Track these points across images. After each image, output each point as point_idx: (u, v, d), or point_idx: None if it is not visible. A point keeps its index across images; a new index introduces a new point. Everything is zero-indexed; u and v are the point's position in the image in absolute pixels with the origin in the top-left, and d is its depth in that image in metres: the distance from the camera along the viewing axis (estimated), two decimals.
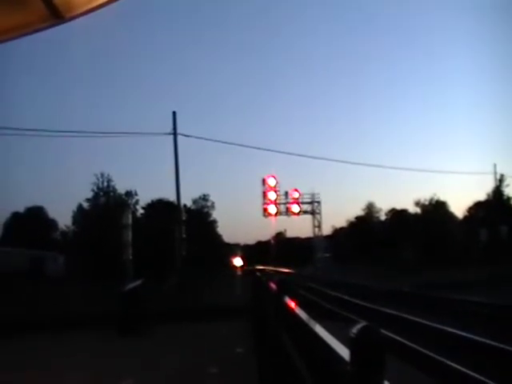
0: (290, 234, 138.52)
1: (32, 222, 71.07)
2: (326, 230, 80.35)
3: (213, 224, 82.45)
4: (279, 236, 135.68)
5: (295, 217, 58.14)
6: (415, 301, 25.85)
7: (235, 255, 49.90)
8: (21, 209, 76.12)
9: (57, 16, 2.97)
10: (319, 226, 61.38)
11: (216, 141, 46.19)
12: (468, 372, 10.58)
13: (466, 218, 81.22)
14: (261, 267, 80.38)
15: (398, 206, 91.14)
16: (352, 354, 2.40)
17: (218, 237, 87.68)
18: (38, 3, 2.88)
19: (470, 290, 27.90)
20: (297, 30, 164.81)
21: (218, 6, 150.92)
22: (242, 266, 44.33)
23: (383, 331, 2.37)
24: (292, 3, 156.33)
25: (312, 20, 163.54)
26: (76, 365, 12.88)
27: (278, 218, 57.47)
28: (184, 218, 42.09)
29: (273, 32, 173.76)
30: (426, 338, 14.63)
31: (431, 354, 12.41)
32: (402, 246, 68.71)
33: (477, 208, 78.06)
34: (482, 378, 9.98)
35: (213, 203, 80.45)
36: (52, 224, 79.38)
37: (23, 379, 11.74)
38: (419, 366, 11.90)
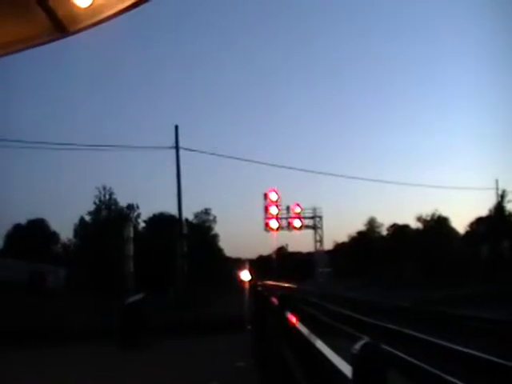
0: (291, 248, 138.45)
1: (33, 235, 71.02)
2: (328, 244, 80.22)
3: (214, 238, 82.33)
4: (281, 251, 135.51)
5: (297, 231, 58.12)
6: (417, 316, 25.75)
7: (243, 268, 48.97)
8: (23, 221, 76.16)
9: (60, 30, 2.98)
10: (321, 241, 61.31)
11: (218, 155, 46.24)
12: None
13: (467, 233, 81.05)
14: (270, 282, 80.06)
15: (400, 222, 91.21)
16: (354, 371, 2.39)
17: (220, 251, 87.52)
18: (42, 16, 2.89)
19: (470, 305, 27.80)
20: (299, 41, 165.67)
21: (219, 18, 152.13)
22: (250, 281, 43.20)
23: (385, 347, 2.36)
24: (292, 11, 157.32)
25: (313, 32, 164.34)
26: (74, 380, 12.83)
27: (280, 232, 57.48)
28: (186, 232, 41.93)
29: (275, 44, 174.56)
30: (429, 354, 14.56)
31: (432, 370, 12.36)
32: (403, 261, 68.58)
33: (478, 223, 77.87)
34: None
35: (214, 217, 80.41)
36: (54, 236, 79.33)
37: None
38: (420, 380, 11.87)
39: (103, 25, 2.96)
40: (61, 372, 13.73)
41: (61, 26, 2.95)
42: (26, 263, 56.10)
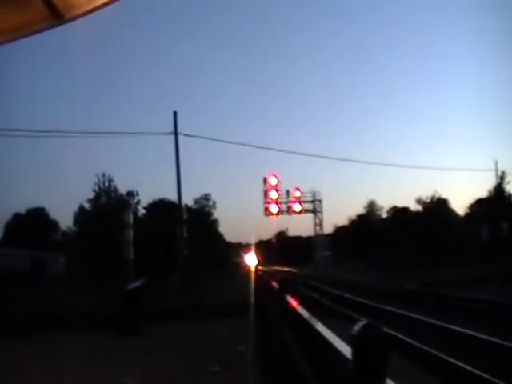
0: (291, 232, 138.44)
1: (33, 223, 71.01)
2: (328, 228, 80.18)
3: (214, 223, 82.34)
4: (281, 235, 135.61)
5: (297, 215, 58.12)
6: (418, 298, 25.82)
7: (247, 252, 47.64)
8: (22, 210, 76.07)
9: (57, 16, 2.96)
10: (320, 225, 61.31)
11: (217, 140, 46.27)
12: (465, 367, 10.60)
13: (467, 215, 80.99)
14: (271, 267, 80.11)
15: (400, 204, 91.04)
16: (354, 352, 2.39)
17: (220, 236, 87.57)
18: (37, 3, 2.88)
19: (469, 287, 27.86)
20: (297, 27, 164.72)
21: (218, 4, 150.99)
22: (256, 266, 40.63)
23: (386, 329, 2.37)
24: (291, 1, 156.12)
25: (311, 17, 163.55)
26: (75, 367, 12.89)
27: (280, 216, 57.46)
28: (185, 218, 41.97)
29: (273, 29, 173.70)
30: (428, 336, 14.64)
31: (432, 351, 12.43)
32: (403, 243, 68.59)
33: (478, 205, 77.82)
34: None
35: (214, 202, 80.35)
36: (53, 225, 79.32)
37: (24, 379, 11.77)
38: (420, 363, 11.92)
39: (100, 11, 2.95)
40: (62, 360, 13.80)
41: (57, 13, 2.93)
42: (26, 252, 56.19)
